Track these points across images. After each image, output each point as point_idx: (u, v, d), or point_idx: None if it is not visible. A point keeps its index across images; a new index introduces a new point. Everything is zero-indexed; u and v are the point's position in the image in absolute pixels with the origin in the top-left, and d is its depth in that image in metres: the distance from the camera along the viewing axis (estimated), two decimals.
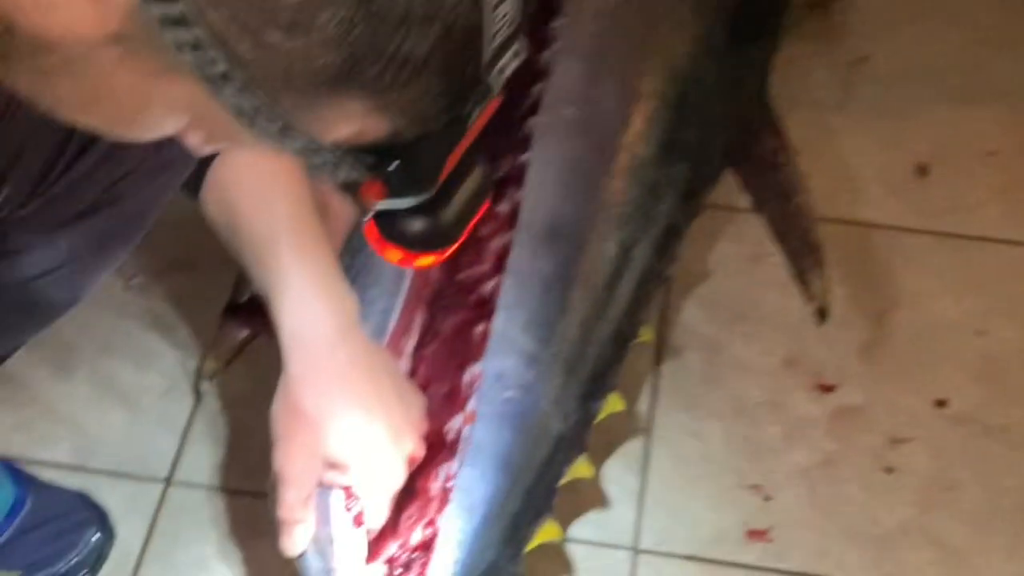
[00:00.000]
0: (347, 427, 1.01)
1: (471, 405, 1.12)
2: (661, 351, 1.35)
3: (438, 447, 1.11)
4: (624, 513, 1.25)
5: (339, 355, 1.00)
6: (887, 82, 1.54)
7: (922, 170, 1.47)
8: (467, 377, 1.14)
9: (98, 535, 1.22)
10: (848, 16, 1.58)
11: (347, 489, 1.05)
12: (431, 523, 1.09)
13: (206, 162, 1.00)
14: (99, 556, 1.22)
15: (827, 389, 1.32)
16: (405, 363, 1.15)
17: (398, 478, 1.04)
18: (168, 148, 0.87)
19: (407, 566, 1.08)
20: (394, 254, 0.65)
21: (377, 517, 1.04)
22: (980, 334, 1.34)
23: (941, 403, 1.30)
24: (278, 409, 1.01)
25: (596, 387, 1.18)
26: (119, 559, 1.23)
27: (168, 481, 1.28)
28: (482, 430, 1.11)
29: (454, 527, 1.08)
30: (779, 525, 1.24)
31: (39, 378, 1.35)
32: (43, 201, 0.85)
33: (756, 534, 1.24)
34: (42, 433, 1.31)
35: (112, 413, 1.33)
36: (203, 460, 1.29)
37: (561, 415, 1.14)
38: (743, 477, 1.27)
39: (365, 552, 1.04)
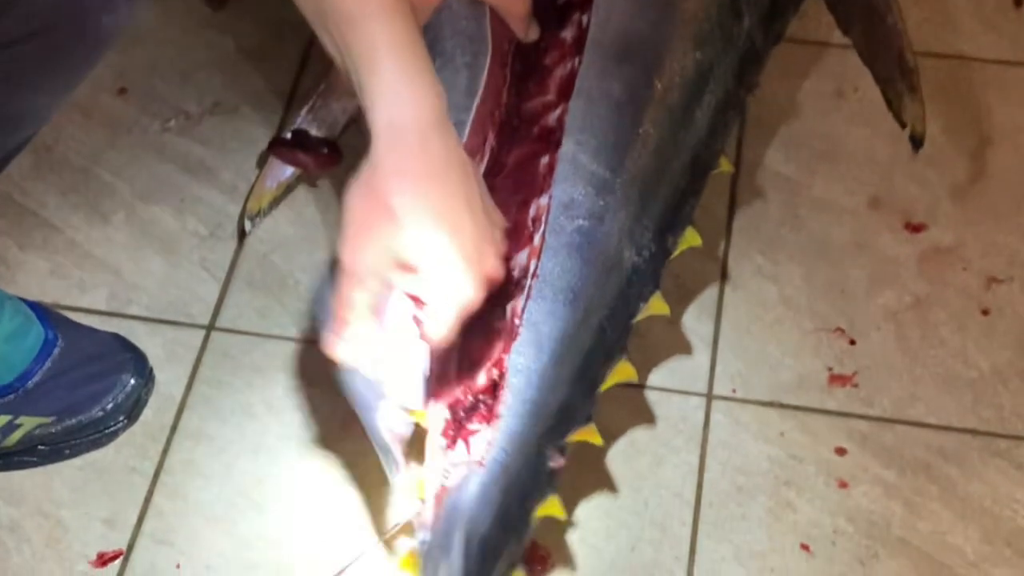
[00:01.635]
0: (431, 227, 0.91)
1: (537, 239, 1.04)
2: (736, 193, 1.26)
3: (504, 284, 1.02)
4: (698, 359, 1.17)
5: (433, 149, 0.91)
6: None
7: (1018, 1, 1.37)
8: (532, 211, 1.06)
9: (134, 379, 1.15)
10: None
11: (415, 299, 0.95)
12: (497, 364, 1.00)
13: None
14: (136, 401, 1.15)
15: (916, 229, 1.23)
16: None
17: (472, 293, 0.94)
18: None
19: (471, 409, 1.00)
20: None
21: (441, 332, 0.95)
22: None
23: None
24: (358, 198, 0.91)
25: (672, 219, 1.08)
26: (159, 406, 1.17)
27: (210, 327, 1.21)
28: (550, 261, 1.02)
29: (523, 363, 1.00)
30: (865, 369, 1.16)
31: (75, 223, 1.28)
32: None
33: (840, 379, 1.15)
34: (79, 279, 1.25)
35: (151, 259, 1.26)
36: (246, 306, 1.22)
37: (635, 246, 1.05)
38: (825, 321, 1.19)
39: (423, 376, 0.95)
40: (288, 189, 1.28)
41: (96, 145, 1.33)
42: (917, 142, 1.15)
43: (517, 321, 1.01)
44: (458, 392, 1.01)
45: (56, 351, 1.13)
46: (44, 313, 1.15)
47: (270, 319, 1.22)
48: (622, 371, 1.04)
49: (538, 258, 1.02)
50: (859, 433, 1.13)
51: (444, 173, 0.91)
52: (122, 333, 1.19)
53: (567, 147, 1.05)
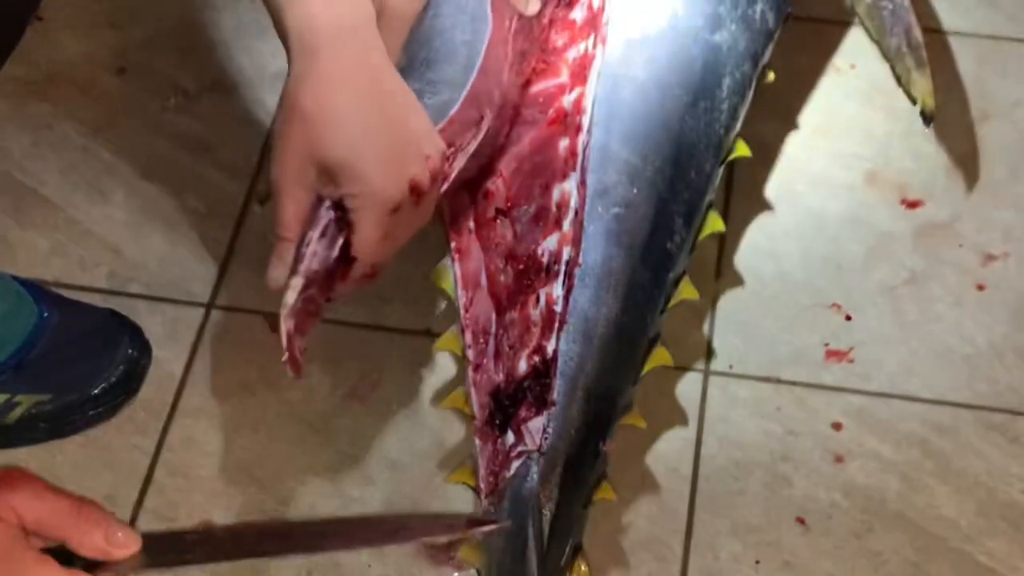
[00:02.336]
0: (342, 128, 0.91)
1: (567, 226, 1.04)
2: (732, 168, 1.26)
3: (533, 270, 1.04)
4: (694, 335, 1.18)
5: (344, 53, 0.91)
6: None
7: None
8: (556, 196, 1.05)
9: (131, 351, 1.16)
10: None
11: (338, 203, 0.93)
12: (537, 350, 1.01)
13: None
14: (135, 375, 1.16)
15: (913, 204, 1.24)
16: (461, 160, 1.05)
17: (392, 197, 0.92)
18: None
19: (516, 396, 1.00)
20: None
21: (364, 243, 0.94)
22: None
23: None
24: (279, 114, 0.93)
25: (698, 204, 1.08)
26: (160, 383, 1.17)
27: (210, 305, 1.22)
28: (591, 249, 1.03)
29: (574, 351, 1.00)
30: (861, 345, 1.16)
31: (75, 201, 1.28)
32: None
33: (836, 354, 1.16)
34: (79, 257, 1.25)
35: (151, 237, 1.26)
36: (245, 284, 1.23)
37: (667, 232, 1.05)
38: (821, 296, 1.19)
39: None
40: None
41: (95, 124, 1.33)
42: (927, 118, 1.15)
43: (555, 308, 1.01)
44: (498, 379, 1.01)
45: (50, 328, 1.13)
46: (37, 291, 1.15)
47: (269, 297, 1.22)
48: (659, 356, 1.05)
49: (574, 245, 1.03)
50: (855, 408, 1.13)
51: (353, 77, 0.91)
52: (123, 311, 1.19)
53: (597, 135, 1.05)
